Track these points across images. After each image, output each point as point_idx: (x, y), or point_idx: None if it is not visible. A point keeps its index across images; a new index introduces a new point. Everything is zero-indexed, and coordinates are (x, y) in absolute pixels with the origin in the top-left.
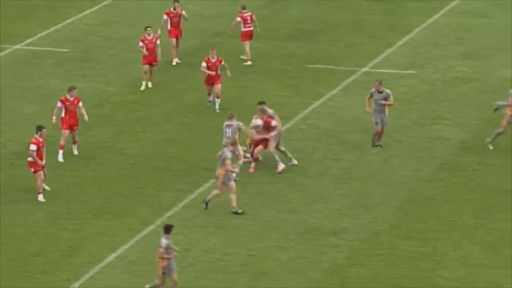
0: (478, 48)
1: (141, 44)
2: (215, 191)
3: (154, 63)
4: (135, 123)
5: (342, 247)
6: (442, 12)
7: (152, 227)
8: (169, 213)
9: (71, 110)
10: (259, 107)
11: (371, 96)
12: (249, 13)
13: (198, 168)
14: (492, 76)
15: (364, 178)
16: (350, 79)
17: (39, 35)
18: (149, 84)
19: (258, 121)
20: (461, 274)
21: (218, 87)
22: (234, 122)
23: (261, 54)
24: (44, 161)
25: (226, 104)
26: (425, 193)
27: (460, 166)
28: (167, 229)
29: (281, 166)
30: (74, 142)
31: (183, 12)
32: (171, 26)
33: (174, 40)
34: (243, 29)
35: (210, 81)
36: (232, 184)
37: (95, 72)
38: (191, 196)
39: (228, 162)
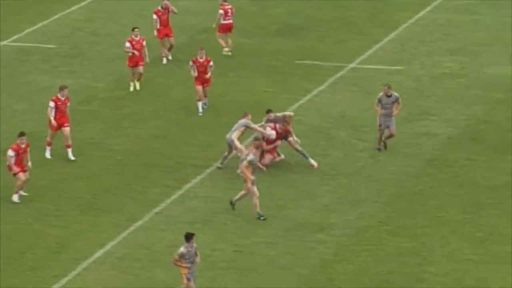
0: (465, 44)
1: (127, 45)
2: (254, 200)
3: (141, 63)
4: (122, 119)
5: (329, 243)
6: (429, 8)
7: (139, 223)
8: (157, 209)
9: (61, 110)
10: (274, 115)
11: (380, 101)
12: (230, 6)
13: (186, 164)
14: (479, 72)
15: (351, 174)
16: (338, 75)
17: (26, 31)
18: (137, 86)
19: (273, 132)
20: (448, 270)
21: (207, 89)
22: (243, 120)
23: (249, 50)
24: (28, 165)
25: (213, 100)
26: (412, 189)
27: (447, 162)
28: (187, 237)
29: (314, 162)
30: (68, 146)
31: (172, 7)
32: (160, 25)
33: (164, 40)
34: (222, 22)
35: (201, 82)
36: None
37: (83, 68)
38: (179, 192)
39: (244, 164)
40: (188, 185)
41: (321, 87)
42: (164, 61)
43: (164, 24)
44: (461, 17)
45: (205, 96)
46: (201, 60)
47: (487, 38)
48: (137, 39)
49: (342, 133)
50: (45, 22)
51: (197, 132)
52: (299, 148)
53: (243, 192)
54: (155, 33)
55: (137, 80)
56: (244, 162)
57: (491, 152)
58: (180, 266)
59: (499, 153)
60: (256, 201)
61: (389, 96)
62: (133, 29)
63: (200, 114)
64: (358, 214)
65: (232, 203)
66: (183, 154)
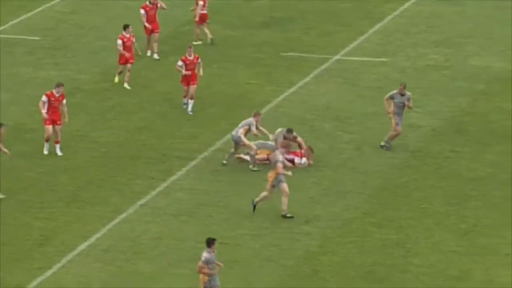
0: (449, 35)
1: (119, 42)
2: (264, 193)
3: (130, 61)
4: (107, 112)
5: (314, 235)
6: (413, 0)
7: (124, 215)
8: (142, 201)
9: (54, 106)
10: (290, 135)
11: (392, 98)
12: None
13: (170, 156)
14: (464, 63)
15: (336, 166)
16: (323, 67)
17: (10, 23)
18: (126, 86)
19: (304, 161)
20: (433, 261)
21: (194, 87)
22: (250, 119)
23: (234, 42)
24: (5, 152)
25: (198, 92)
26: (397, 181)
27: (431, 154)
28: (209, 242)
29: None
30: (57, 142)
31: (161, 3)
32: (147, 20)
33: (151, 36)
34: (200, 12)
35: (187, 80)
36: (284, 186)
37: (67, 60)
38: (164, 184)
39: (280, 165)
40: (173, 177)
41: (306, 79)
42: (149, 53)
43: (151, 19)
44: (446, 9)
45: (191, 98)
46: (191, 58)
47: (471, 30)
48: (128, 36)
49: (327, 125)
50: (29, 14)
51: (181, 124)
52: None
53: (284, 199)
54: (147, 25)
55: (126, 81)
56: (278, 164)
57: (475, 143)
58: (204, 273)
59: (483, 145)
60: (265, 196)
61: (403, 95)
62: (126, 27)
63: (185, 106)
64: (343, 206)
65: (283, 216)
66: (168, 146)
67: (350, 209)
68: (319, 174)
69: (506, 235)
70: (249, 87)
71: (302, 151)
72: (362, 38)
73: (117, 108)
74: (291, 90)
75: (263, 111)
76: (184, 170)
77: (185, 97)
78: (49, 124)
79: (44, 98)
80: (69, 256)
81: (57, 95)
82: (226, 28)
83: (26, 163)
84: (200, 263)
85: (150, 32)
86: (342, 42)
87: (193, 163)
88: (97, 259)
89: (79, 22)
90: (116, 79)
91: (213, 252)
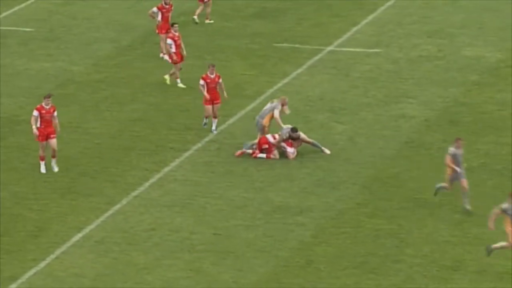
0: (442, 26)
1: (170, 41)
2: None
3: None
4: (100, 103)
5: (308, 226)
6: None
7: (118, 206)
8: (135, 193)
9: (46, 119)
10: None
11: None
12: None
13: (164, 147)
14: (457, 54)
15: (329, 157)
16: (316, 57)
17: (3, 14)
18: (181, 84)
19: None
20: (426, 251)
21: (218, 106)
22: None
23: (228, 33)
24: None
25: (192, 83)
26: (390, 171)
27: (424, 144)
28: None
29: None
30: (53, 156)
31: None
32: (161, 20)
33: (164, 35)
34: None
35: (211, 100)
36: (463, 181)
37: (60, 52)
38: (157, 176)
39: (448, 157)
40: (167, 168)
41: (300, 70)
42: (165, 56)
43: (165, 20)
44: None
45: (215, 117)
46: (212, 76)
47: (464, 20)
48: (177, 34)
49: (321, 116)
50: (22, 5)
51: (175, 115)
52: (310, 140)
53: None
54: (159, 19)
55: (178, 77)
56: (447, 157)
57: (467, 134)
58: None
59: (476, 135)
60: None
61: None
62: (172, 25)
63: (205, 126)
64: (336, 197)
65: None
66: (161, 137)
67: (344, 199)
68: (312, 165)
69: (498, 225)
70: (243, 78)
71: (290, 140)
72: (355, 29)
73: (110, 99)
74: (285, 81)
75: (257, 102)
76: (177, 161)
77: (206, 117)
78: (42, 140)
79: (35, 113)
80: (63, 248)
81: (47, 107)
82: (220, 19)
83: (19, 155)
84: None
85: (166, 31)
86: (335, 33)
87: (187, 154)
88: (91, 250)
89: (72, 13)
90: (168, 80)
91: None
